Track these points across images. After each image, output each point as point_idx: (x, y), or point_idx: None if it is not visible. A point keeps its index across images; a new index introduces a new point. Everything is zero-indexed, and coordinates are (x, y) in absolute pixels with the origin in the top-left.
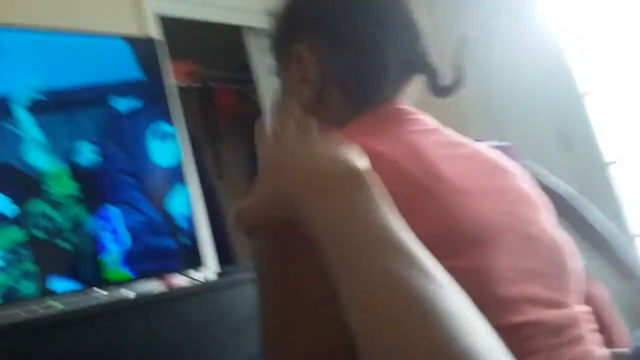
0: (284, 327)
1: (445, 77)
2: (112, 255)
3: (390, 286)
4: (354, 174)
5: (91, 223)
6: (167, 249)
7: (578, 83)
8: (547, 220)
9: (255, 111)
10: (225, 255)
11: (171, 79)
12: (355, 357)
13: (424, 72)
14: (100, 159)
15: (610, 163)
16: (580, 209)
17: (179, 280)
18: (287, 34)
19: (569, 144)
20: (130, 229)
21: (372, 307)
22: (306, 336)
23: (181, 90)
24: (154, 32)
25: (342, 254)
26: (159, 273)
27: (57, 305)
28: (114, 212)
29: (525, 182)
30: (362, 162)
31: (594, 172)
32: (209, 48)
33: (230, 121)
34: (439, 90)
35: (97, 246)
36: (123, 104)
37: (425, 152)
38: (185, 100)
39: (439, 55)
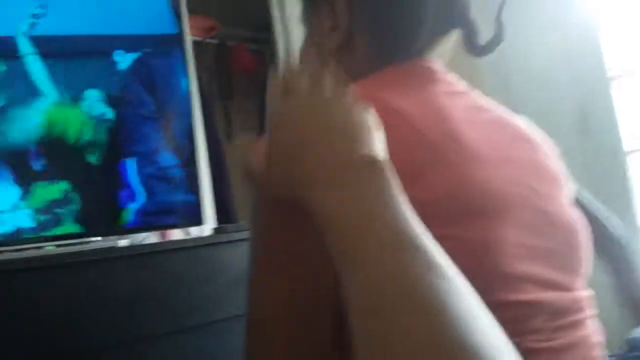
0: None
1: (484, 34)
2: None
3: (407, 287)
4: (372, 165)
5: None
6: (171, 203)
7: (606, 66)
8: (566, 198)
9: (270, 72)
10: (224, 213)
11: (189, 32)
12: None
13: (462, 27)
14: (118, 109)
15: (629, 152)
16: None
17: (175, 234)
18: None
19: (588, 128)
20: (144, 182)
21: (388, 307)
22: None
23: (197, 44)
24: None
25: (357, 253)
26: (159, 226)
27: (51, 248)
28: (130, 164)
29: (549, 156)
30: (380, 146)
31: (611, 159)
32: (230, 5)
33: (244, 80)
34: (477, 48)
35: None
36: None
37: (449, 115)
38: (200, 55)
39: (479, 10)
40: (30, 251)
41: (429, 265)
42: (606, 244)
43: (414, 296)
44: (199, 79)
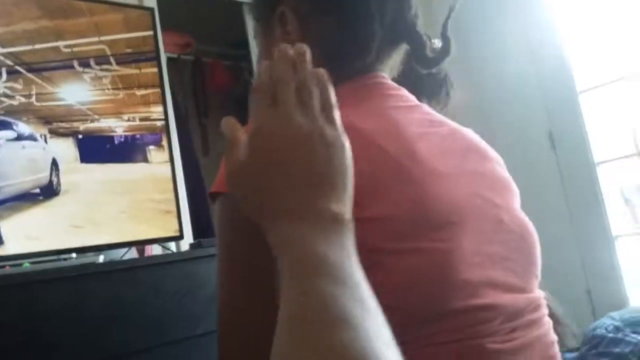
0: (229, 297)
1: (431, 48)
2: None
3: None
4: (335, 222)
5: None
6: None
7: (575, 81)
8: (516, 204)
9: (247, 89)
10: (201, 228)
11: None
12: None
13: (410, 41)
14: None
15: (598, 163)
16: None
17: (153, 249)
18: None
19: (558, 141)
20: None
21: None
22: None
23: (172, 61)
24: (151, 1)
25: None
26: (138, 242)
27: (25, 265)
28: None
29: (501, 167)
30: (348, 203)
31: (580, 171)
32: (206, 22)
33: (220, 97)
34: (424, 61)
35: None
36: None
37: (404, 129)
38: (176, 72)
39: (425, 24)
40: (7, 268)
41: (355, 300)
42: None
43: (326, 321)
44: (175, 95)
